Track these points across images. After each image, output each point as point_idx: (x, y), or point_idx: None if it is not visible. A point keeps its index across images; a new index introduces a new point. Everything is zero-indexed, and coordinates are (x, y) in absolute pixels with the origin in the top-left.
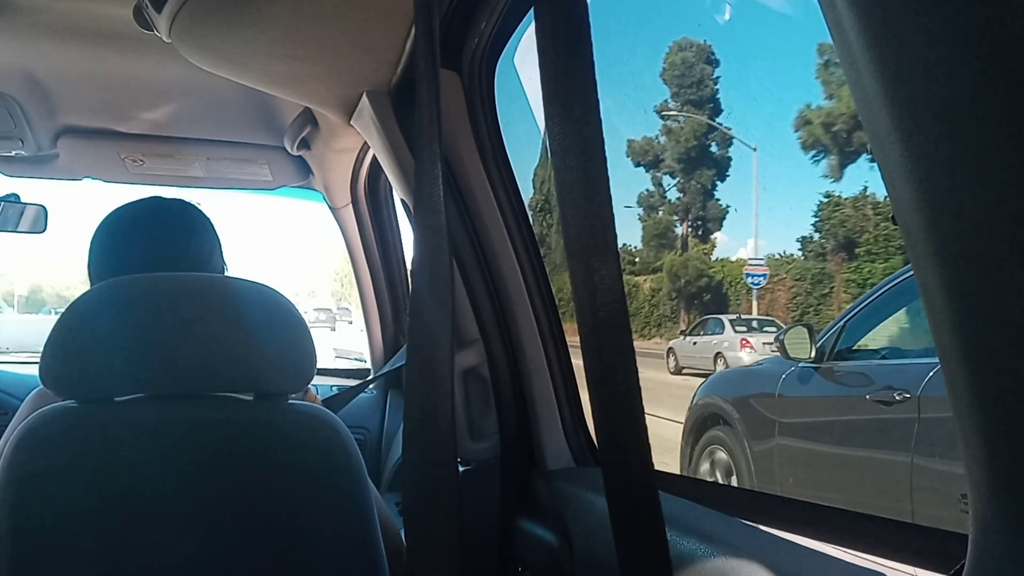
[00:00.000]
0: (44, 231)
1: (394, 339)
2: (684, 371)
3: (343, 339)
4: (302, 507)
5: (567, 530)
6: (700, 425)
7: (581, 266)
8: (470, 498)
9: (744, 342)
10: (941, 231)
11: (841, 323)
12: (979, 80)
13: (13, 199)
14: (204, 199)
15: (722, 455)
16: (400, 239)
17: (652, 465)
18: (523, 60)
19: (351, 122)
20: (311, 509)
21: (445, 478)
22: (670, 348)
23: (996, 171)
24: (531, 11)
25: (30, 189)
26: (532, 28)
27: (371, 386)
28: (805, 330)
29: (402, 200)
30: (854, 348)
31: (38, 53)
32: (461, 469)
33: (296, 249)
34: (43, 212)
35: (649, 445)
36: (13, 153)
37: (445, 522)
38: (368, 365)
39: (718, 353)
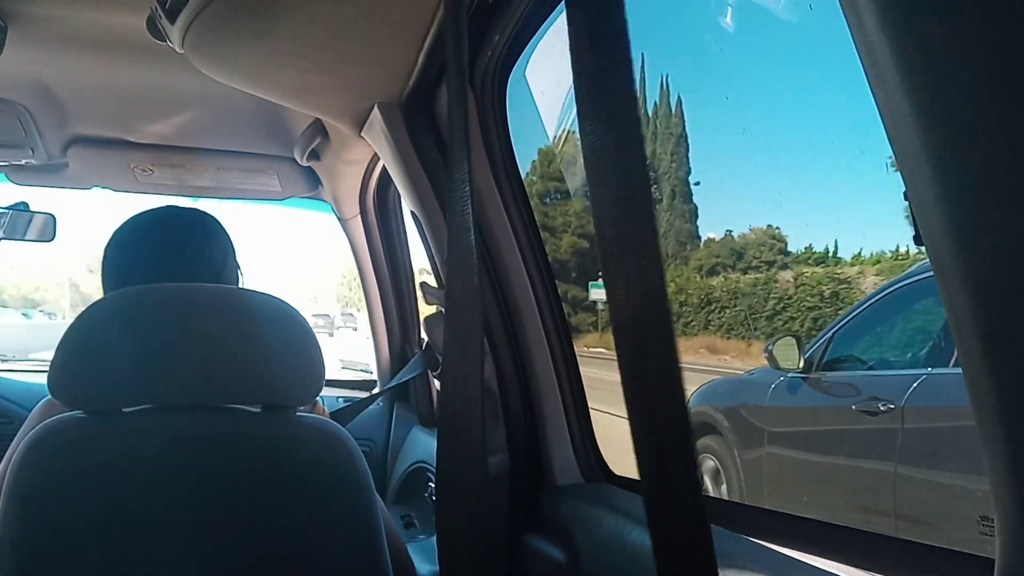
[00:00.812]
0: (52, 239)
1: (401, 351)
2: None
3: (344, 346)
4: (309, 519)
5: (575, 547)
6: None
7: (620, 274)
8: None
9: None
10: (970, 254)
11: (830, 334)
12: (1011, 103)
13: (22, 207)
14: (204, 207)
15: (712, 464)
16: (408, 251)
17: (701, 492)
18: (534, 73)
19: (362, 133)
20: (318, 521)
21: (472, 493)
22: None
23: None
24: (544, 23)
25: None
26: (544, 41)
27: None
28: (794, 340)
29: (411, 212)
30: (842, 359)
31: (50, 62)
32: None
33: (298, 255)
34: (51, 220)
35: (698, 470)
36: (23, 162)
37: (473, 534)
38: (374, 376)
39: None
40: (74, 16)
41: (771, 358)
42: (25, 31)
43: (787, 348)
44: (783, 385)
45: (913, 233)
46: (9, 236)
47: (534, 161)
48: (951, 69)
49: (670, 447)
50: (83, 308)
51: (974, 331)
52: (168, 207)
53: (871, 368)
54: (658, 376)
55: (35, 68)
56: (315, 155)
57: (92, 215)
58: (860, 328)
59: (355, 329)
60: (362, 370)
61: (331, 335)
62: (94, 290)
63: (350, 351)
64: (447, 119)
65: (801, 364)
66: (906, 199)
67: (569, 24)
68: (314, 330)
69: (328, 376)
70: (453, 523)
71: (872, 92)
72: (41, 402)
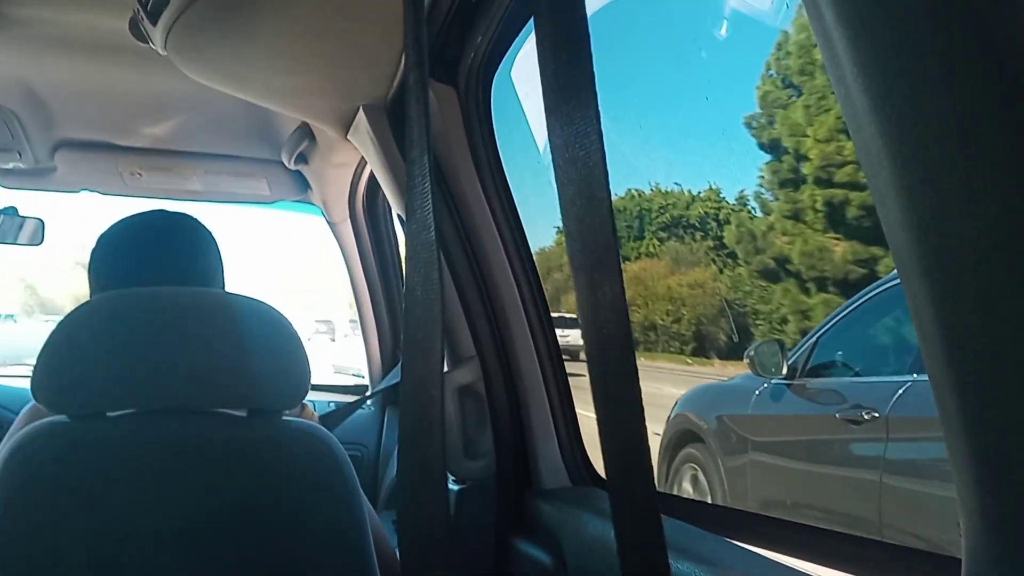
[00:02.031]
0: (41, 243)
1: (392, 355)
2: None
3: (349, 354)
4: (295, 523)
5: (562, 550)
6: (676, 442)
7: (585, 280)
8: (465, 516)
9: None
10: (930, 249)
11: (814, 338)
12: (968, 95)
13: (11, 212)
14: (209, 210)
15: (696, 473)
16: (398, 254)
17: (654, 487)
18: (520, 74)
19: (348, 136)
20: (304, 525)
21: (436, 496)
22: None
23: (985, 187)
24: (528, 24)
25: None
26: (528, 42)
27: (369, 403)
28: (777, 345)
29: (398, 216)
30: (827, 364)
31: (36, 65)
32: (456, 487)
33: (306, 257)
34: (41, 225)
35: (651, 466)
36: (11, 165)
37: (437, 539)
38: (366, 381)
39: None
40: (58, 18)
41: (752, 364)
42: (9, 34)
43: (770, 353)
44: (767, 392)
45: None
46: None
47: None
48: (907, 62)
49: (629, 448)
50: (39, 314)
51: (935, 326)
52: (157, 211)
53: (857, 374)
54: (617, 370)
55: (21, 71)
56: (303, 159)
57: (57, 215)
58: (846, 332)
59: None
60: (354, 375)
61: (332, 340)
62: (60, 295)
63: (352, 360)
64: (407, 113)
65: (784, 370)
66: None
67: (536, 32)
68: (315, 336)
69: (321, 381)
70: (415, 535)
71: (833, 86)
72: (27, 407)
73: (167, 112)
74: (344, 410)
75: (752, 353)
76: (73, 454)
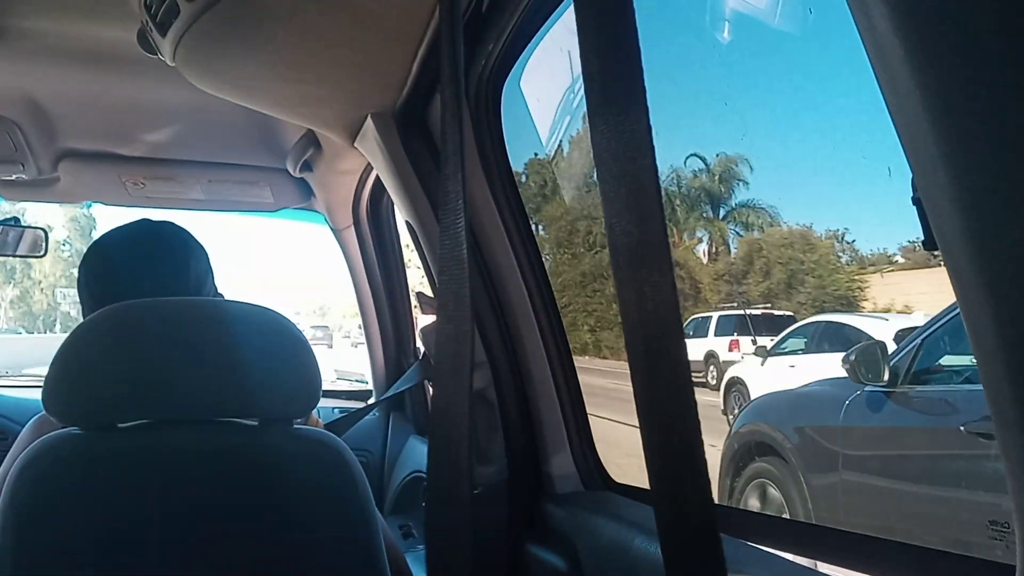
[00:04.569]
0: (44, 255)
1: (396, 361)
2: None
3: (346, 360)
4: (307, 532)
5: (577, 555)
6: (743, 456)
7: (631, 283)
8: (478, 522)
9: None
10: (989, 258)
11: (919, 340)
12: None
13: (13, 222)
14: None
15: (771, 491)
16: (402, 261)
17: (713, 504)
18: (529, 83)
19: (355, 144)
20: (317, 534)
21: (463, 509)
22: None
23: None
24: (539, 33)
25: None
26: (538, 51)
27: (373, 409)
28: (877, 348)
29: (406, 221)
30: (933, 370)
31: (40, 77)
32: None
33: (305, 264)
34: (43, 235)
35: (709, 481)
36: (14, 177)
37: (463, 550)
38: (370, 386)
39: None
40: (64, 30)
41: (853, 369)
42: (14, 45)
43: (871, 356)
44: (861, 400)
45: (923, 238)
46: (0, 251)
47: None
48: (967, 72)
49: (681, 456)
50: None
51: (994, 336)
52: (142, 220)
53: (967, 380)
54: (669, 386)
55: (25, 83)
56: (308, 166)
57: None
58: (956, 334)
59: None
60: (357, 380)
61: (330, 346)
62: None
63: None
64: (441, 130)
65: (886, 376)
66: (914, 203)
67: (579, 29)
68: (312, 343)
69: (324, 387)
70: (442, 534)
71: (883, 95)
72: (34, 418)
73: (171, 121)
74: (351, 418)
75: (852, 357)
76: (86, 466)
